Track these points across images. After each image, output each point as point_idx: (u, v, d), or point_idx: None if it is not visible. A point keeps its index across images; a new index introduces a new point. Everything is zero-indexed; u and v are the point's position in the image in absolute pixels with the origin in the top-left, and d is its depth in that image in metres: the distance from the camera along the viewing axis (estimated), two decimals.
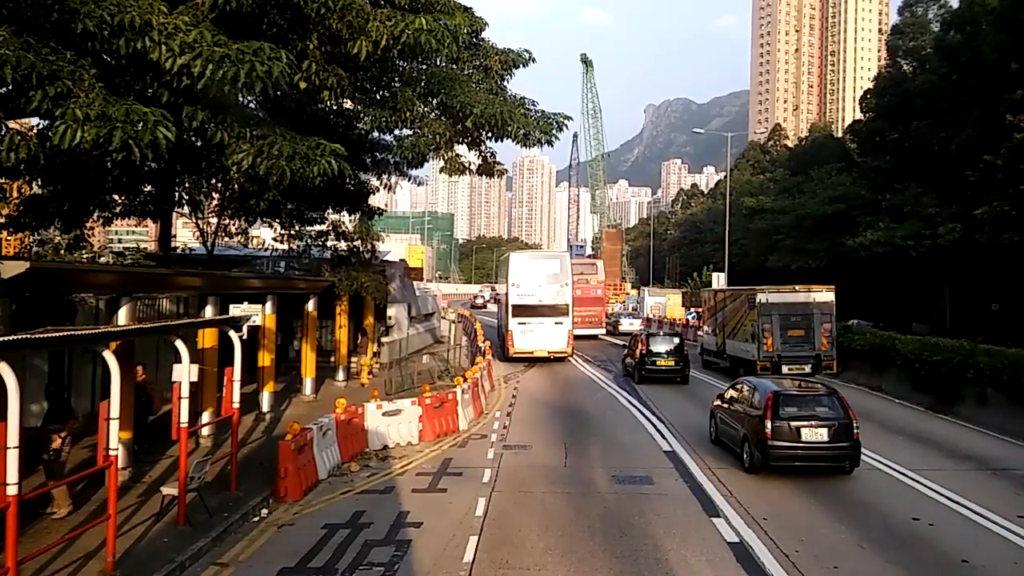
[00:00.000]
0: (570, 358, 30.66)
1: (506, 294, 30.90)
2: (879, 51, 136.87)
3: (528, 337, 29.36)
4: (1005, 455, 14.60)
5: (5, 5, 8.36)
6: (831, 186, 56.70)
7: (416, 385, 20.82)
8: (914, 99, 47.50)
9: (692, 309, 49.43)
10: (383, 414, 15.06)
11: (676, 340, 25.40)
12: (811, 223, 55.54)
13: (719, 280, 44.61)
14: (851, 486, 12.23)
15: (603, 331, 42.18)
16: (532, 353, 29.40)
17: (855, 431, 12.54)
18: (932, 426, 17.56)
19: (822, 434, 12.45)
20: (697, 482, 12.27)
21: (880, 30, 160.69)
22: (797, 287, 25.25)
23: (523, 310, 29.41)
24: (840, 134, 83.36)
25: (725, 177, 77.85)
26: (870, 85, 65.10)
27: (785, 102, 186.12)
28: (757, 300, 24.29)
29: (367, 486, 12.14)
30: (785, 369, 22.57)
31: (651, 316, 49.46)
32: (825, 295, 24.41)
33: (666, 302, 55.97)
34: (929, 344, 21.49)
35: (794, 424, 12.49)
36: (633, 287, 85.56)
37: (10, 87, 8.53)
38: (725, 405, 14.87)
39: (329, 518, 10.38)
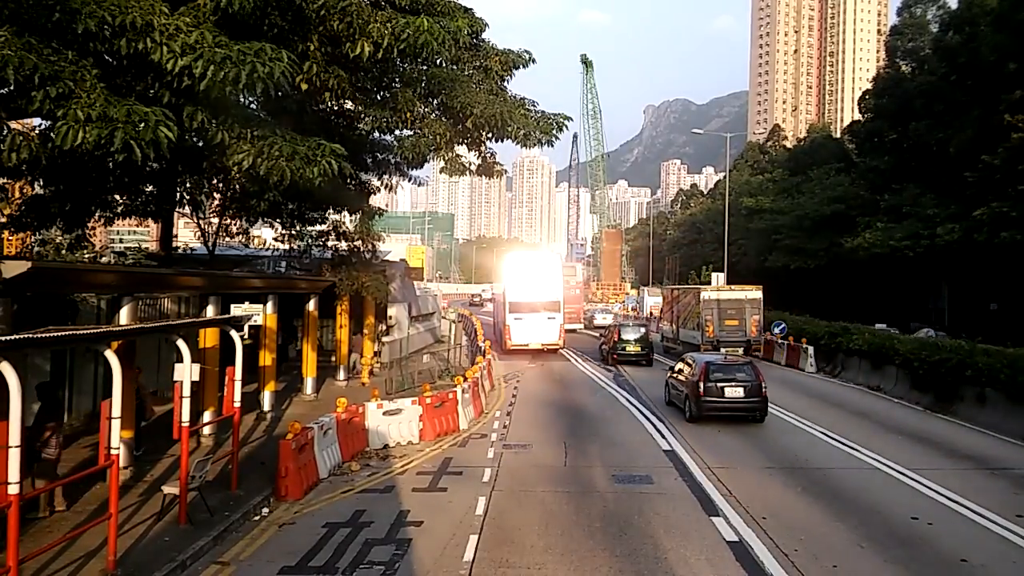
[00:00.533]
0: (562, 351, 33.13)
1: (503, 292, 33.37)
2: (878, 52, 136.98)
3: (523, 331, 31.96)
4: (1004, 454, 14.64)
5: (6, 5, 8.39)
6: (830, 186, 56.79)
7: (416, 384, 20.85)
8: (913, 100, 47.57)
9: None
10: (384, 413, 15.09)
11: (642, 330, 30.53)
12: (810, 223, 55.61)
13: (718, 280, 45.78)
14: (850, 485, 12.27)
15: (582, 325, 48.19)
16: (527, 346, 31.89)
17: (763, 390, 17.09)
18: (931, 426, 17.60)
19: (739, 392, 16.98)
20: (696, 481, 12.30)
21: (879, 31, 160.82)
22: (734, 286, 32.10)
23: (519, 306, 31.97)
24: (839, 135, 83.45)
25: (724, 177, 77.90)
26: (869, 86, 65.18)
27: (784, 103, 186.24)
28: (702, 296, 30.73)
29: (368, 485, 12.17)
30: (723, 351, 26.97)
31: (651, 316, 50.53)
32: (755, 293, 30.68)
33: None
34: (928, 344, 21.55)
35: (720, 385, 16.97)
36: (633, 287, 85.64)
37: (12, 87, 8.55)
38: (674, 375, 19.31)
39: (330, 517, 10.41)
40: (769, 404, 17.51)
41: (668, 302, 37.32)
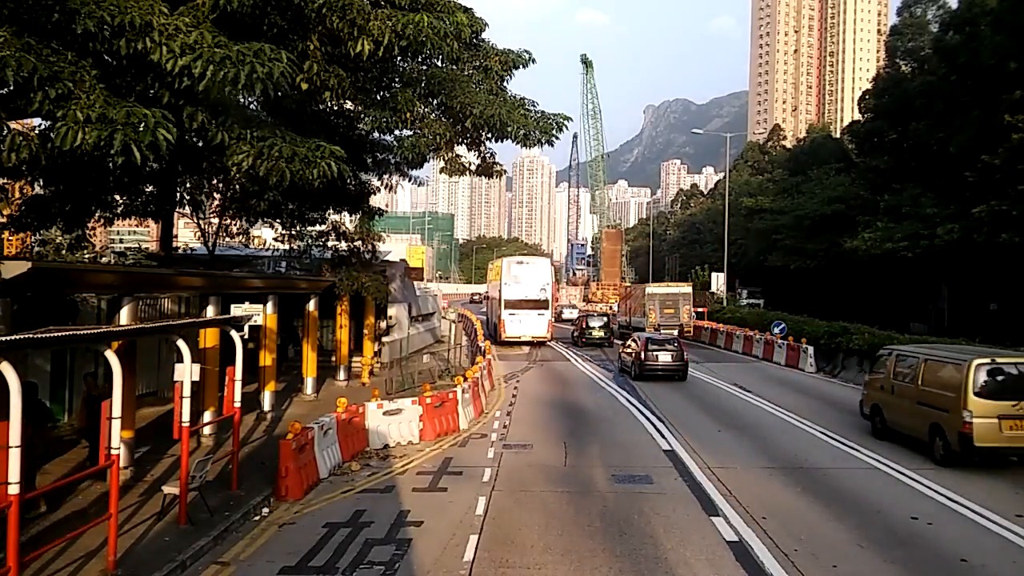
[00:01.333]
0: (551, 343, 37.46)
1: (499, 291, 37.45)
2: (878, 52, 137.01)
3: (516, 325, 36.21)
4: None
5: (5, 5, 8.39)
6: (830, 186, 56.74)
7: (417, 384, 20.86)
8: (913, 100, 47.52)
9: (692, 309, 49.42)
10: (384, 413, 15.09)
11: (604, 319, 39.56)
12: (810, 223, 55.58)
13: (718, 280, 47.17)
14: (850, 485, 12.27)
15: (553, 319, 52.98)
16: (519, 338, 36.03)
17: (684, 356, 24.51)
18: None
19: (668, 358, 24.22)
20: (696, 481, 12.30)
21: (879, 31, 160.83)
22: (670, 283, 46.75)
23: (513, 303, 36.35)
24: (839, 135, 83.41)
25: (724, 177, 77.92)
26: (869, 86, 65.14)
27: (784, 103, 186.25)
28: (647, 291, 41.70)
29: (368, 485, 12.17)
30: (661, 332, 34.03)
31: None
32: (686, 288, 42.99)
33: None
34: (928, 344, 21.51)
35: (655, 353, 24.27)
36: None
37: (11, 88, 8.56)
38: (624, 350, 26.90)
39: (330, 517, 10.41)
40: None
41: (623, 297, 50.69)
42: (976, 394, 12.60)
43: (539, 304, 36.32)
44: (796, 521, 10.30)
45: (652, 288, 42.15)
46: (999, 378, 12.72)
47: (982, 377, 12.67)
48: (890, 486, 12.25)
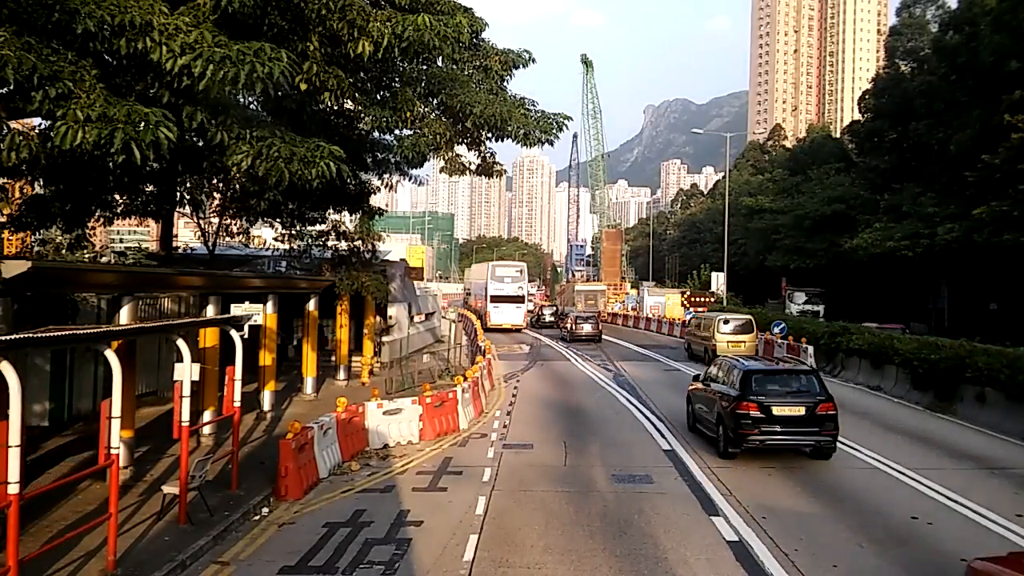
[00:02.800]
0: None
1: (485, 289, 49.23)
2: (878, 52, 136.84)
3: (499, 315, 47.21)
4: (1003, 454, 14.63)
5: (6, 5, 8.39)
6: (830, 186, 56.76)
7: (416, 384, 20.86)
8: (913, 100, 47.54)
9: (692, 309, 49.47)
10: (384, 413, 15.09)
11: (553, 308, 55.92)
12: (810, 223, 55.61)
13: (718, 280, 47.12)
14: (850, 485, 12.27)
15: (527, 311, 60.27)
16: (501, 325, 45.93)
17: (599, 327, 39.55)
18: (931, 425, 17.61)
19: (588, 327, 38.66)
20: (696, 481, 12.30)
21: (879, 31, 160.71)
22: (593, 282, 66.12)
23: (496, 299, 47.91)
24: (839, 134, 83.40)
25: (724, 177, 77.89)
26: (869, 86, 65.11)
27: (784, 102, 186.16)
28: (576, 288, 60.82)
29: (368, 485, 12.17)
30: (584, 315, 42.85)
31: (650, 316, 54.02)
32: (602, 286, 62.85)
33: (665, 302, 56.11)
34: (928, 343, 21.52)
35: (580, 324, 38.85)
36: (633, 287, 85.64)
37: (11, 87, 8.55)
38: (564, 325, 42.04)
39: (330, 517, 10.41)
40: None
41: (560, 293, 71.41)
42: None
43: (517, 299, 48.46)
44: (796, 521, 10.30)
45: (580, 286, 64.49)
46: None
47: None
48: (890, 486, 12.25)
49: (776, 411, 13.35)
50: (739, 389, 13.62)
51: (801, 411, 13.42)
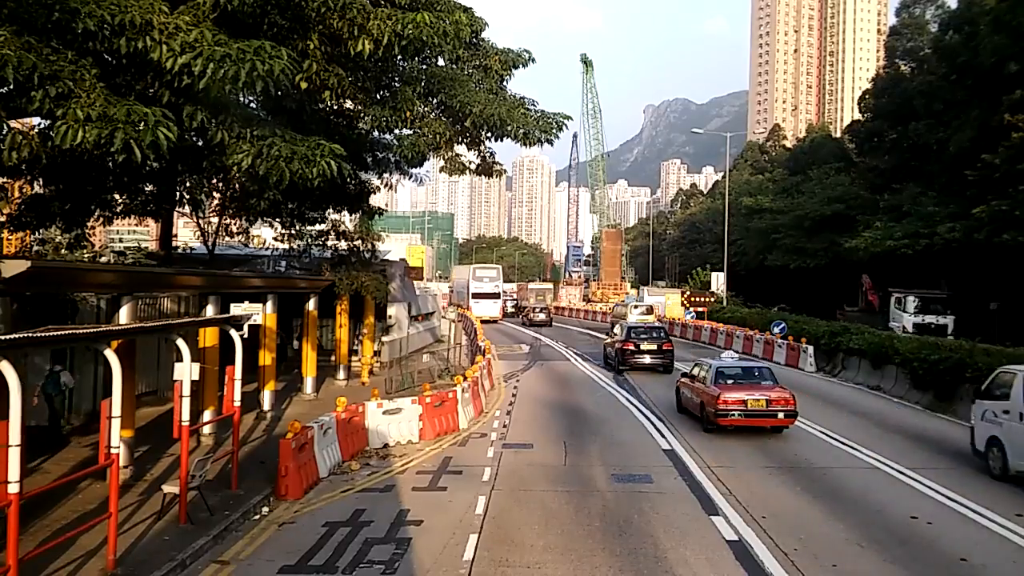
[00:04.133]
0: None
1: (466, 287, 61.54)
2: (878, 52, 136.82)
3: (479, 308, 56.13)
4: None
5: (6, 5, 8.39)
6: (830, 186, 56.79)
7: (416, 384, 20.85)
8: (912, 99, 47.54)
9: (691, 309, 49.46)
10: (383, 413, 15.09)
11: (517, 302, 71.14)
12: (810, 223, 55.62)
13: (718, 279, 46.69)
14: (850, 485, 12.27)
15: (503, 306, 69.50)
16: (481, 317, 49.12)
17: (550, 314, 55.30)
18: (931, 425, 17.60)
19: (543, 316, 52.84)
20: (696, 480, 12.30)
21: (879, 31, 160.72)
22: (541, 282, 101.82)
23: (477, 295, 59.57)
24: (838, 134, 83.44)
25: (724, 177, 77.90)
26: (868, 86, 65.15)
27: (784, 102, 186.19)
28: (529, 287, 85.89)
29: (367, 484, 12.17)
30: (537, 307, 56.31)
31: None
32: (548, 285, 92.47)
33: (665, 301, 56.01)
34: (928, 343, 21.52)
35: (536, 311, 54.24)
36: (633, 286, 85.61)
37: (11, 87, 8.55)
38: (524, 315, 57.18)
39: (330, 516, 10.41)
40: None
41: (519, 291, 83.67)
42: None
43: (494, 296, 60.83)
44: (796, 520, 10.30)
45: (533, 285, 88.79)
46: None
47: None
48: (890, 486, 12.25)
49: (643, 347, 25.82)
50: (624, 336, 26.25)
51: (655, 346, 25.92)
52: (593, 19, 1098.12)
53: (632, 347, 25.49)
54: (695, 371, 17.70)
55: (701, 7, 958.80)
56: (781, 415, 15.39)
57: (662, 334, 26.99)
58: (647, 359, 25.49)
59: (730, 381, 16.10)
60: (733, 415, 15.30)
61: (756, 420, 15.43)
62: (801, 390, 22.72)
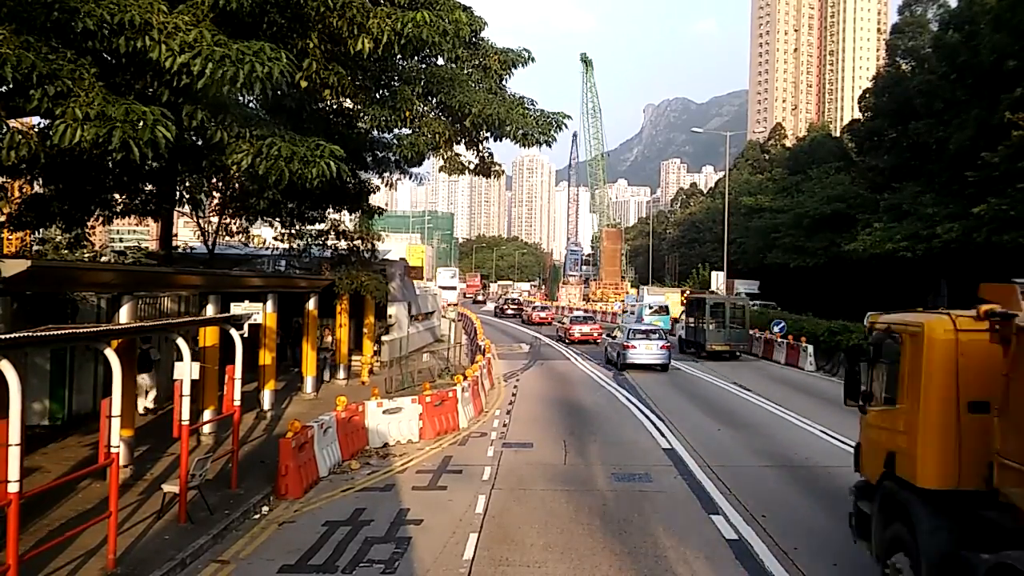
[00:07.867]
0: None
1: (437, 284, 68.00)
2: (878, 51, 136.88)
3: (445, 294, 60.91)
4: None
5: (5, 4, 8.38)
6: (829, 185, 56.72)
7: (416, 383, 20.84)
8: (913, 99, 47.47)
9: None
10: (383, 412, 15.09)
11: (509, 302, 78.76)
12: (810, 222, 55.55)
13: (718, 279, 46.48)
14: (850, 483, 12.21)
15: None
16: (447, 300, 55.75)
17: (522, 311, 64.05)
18: None
19: (513, 312, 66.34)
20: (696, 480, 12.30)
21: (879, 30, 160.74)
22: (520, 283, 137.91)
23: (443, 288, 66.97)
24: (839, 134, 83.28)
25: (724, 176, 77.87)
26: (869, 85, 65.15)
27: (784, 102, 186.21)
28: (509, 289, 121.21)
29: (367, 484, 12.17)
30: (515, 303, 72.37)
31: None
32: (525, 285, 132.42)
33: (665, 301, 55.97)
34: None
35: (511, 304, 71.41)
36: (633, 286, 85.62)
37: (10, 86, 8.55)
38: (499, 306, 73.54)
39: (330, 515, 10.41)
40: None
41: (500, 292, 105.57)
42: None
43: (453, 288, 74.99)
44: (796, 519, 10.31)
45: (507, 285, 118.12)
46: None
47: None
48: None
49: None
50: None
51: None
52: (593, 18, 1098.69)
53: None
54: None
55: (701, 7, 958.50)
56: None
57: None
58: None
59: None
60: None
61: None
62: (801, 389, 22.81)
